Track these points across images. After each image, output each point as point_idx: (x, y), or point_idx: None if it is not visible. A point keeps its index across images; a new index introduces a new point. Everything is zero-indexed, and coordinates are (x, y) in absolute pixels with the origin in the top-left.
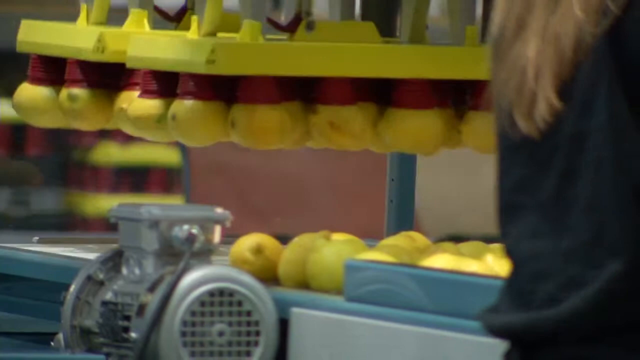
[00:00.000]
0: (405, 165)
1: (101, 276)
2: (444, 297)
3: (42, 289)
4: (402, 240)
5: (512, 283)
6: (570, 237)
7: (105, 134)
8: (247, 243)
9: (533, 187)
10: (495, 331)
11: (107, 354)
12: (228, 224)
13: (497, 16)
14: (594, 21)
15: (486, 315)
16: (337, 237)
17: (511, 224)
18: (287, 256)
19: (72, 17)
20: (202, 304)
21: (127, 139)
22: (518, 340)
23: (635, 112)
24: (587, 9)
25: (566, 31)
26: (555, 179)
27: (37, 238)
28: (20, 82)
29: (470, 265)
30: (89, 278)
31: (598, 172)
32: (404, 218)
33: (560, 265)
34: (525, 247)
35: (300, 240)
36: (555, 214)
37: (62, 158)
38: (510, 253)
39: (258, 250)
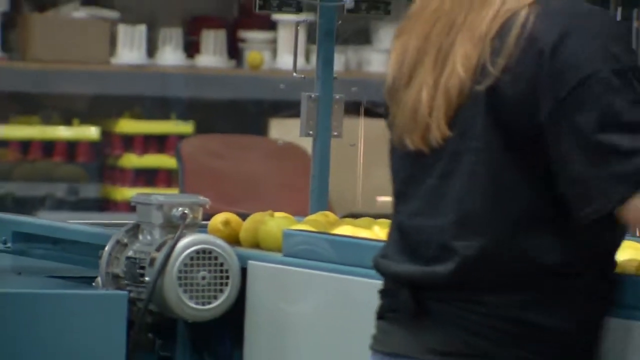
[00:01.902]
0: (323, 167)
1: (125, 240)
2: (346, 254)
3: (86, 249)
4: (319, 217)
5: (402, 244)
6: (443, 218)
7: (127, 148)
8: (219, 219)
9: (417, 183)
10: (391, 275)
11: (129, 292)
12: (207, 207)
13: (390, 71)
14: (473, 78)
15: (380, 261)
16: (278, 215)
17: (401, 206)
18: (245, 227)
19: None
20: (191, 258)
21: (143, 151)
22: (411, 284)
23: (509, 139)
24: (467, 69)
25: (453, 84)
26: (435, 179)
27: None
28: None
29: (363, 233)
30: (117, 242)
31: (471, 177)
32: (321, 203)
33: (439, 235)
34: (411, 222)
35: (254, 217)
36: (433, 202)
37: (100, 163)
38: (399, 225)
39: (226, 223)
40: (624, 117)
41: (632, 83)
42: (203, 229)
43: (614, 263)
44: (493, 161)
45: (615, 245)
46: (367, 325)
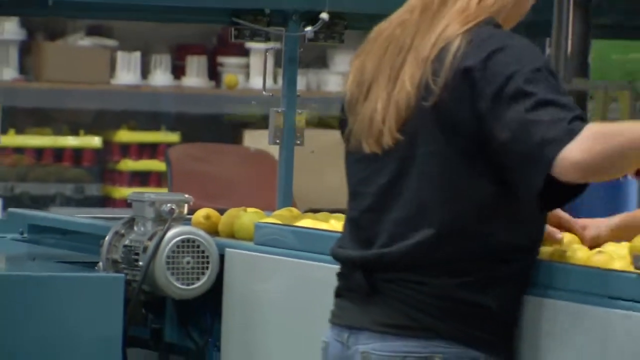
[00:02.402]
0: (288, 170)
1: (122, 231)
2: (307, 243)
3: (90, 239)
4: (285, 212)
5: (356, 235)
6: (397, 212)
7: (124, 154)
8: (201, 213)
9: (370, 183)
10: (347, 261)
11: (126, 274)
12: (191, 203)
13: (349, 87)
14: (418, 94)
15: (337, 251)
16: (250, 210)
17: (355, 203)
18: (223, 220)
19: None
20: (178, 246)
21: (137, 157)
22: (362, 267)
23: (454, 144)
24: (414, 86)
25: (402, 98)
26: (387, 179)
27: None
28: None
29: (322, 225)
30: (116, 232)
31: (422, 177)
32: (286, 200)
33: (390, 227)
34: (364, 216)
35: (230, 212)
36: (385, 198)
37: (101, 167)
38: (353, 219)
39: (207, 217)
40: (544, 100)
41: (547, 77)
42: (187, 221)
43: (539, 251)
44: (441, 163)
45: (541, 237)
46: (327, 303)
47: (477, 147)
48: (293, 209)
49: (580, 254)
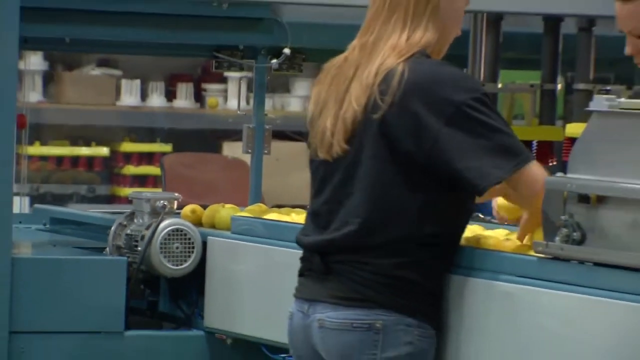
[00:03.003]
0: (257, 174)
1: (125, 223)
2: (274, 232)
3: (99, 229)
4: (255, 207)
5: (316, 224)
6: (347, 205)
7: (127, 161)
8: (188, 208)
9: (327, 182)
10: (308, 246)
11: (128, 257)
12: (180, 201)
13: (310, 108)
14: (365, 110)
15: (300, 238)
16: (228, 206)
17: (316, 199)
18: (206, 214)
19: None
20: (169, 234)
21: (138, 164)
22: (319, 251)
23: (394, 153)
24: (360, 105)
25: (348, 116)
26: (339, 180)
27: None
28: None
29: (285, 218)
30: (120, 224)
31: (365, 179)
32: (257, 198)
33: (340, 216)
34: (323, 209)
35: (212, 207)
36: (339, 195)
37: (109, 172)
38: (314, 212)
39: (193, 211)
40: (487, 125)
41: (486, 103)
42: (177, 215)
43: (460, 238)
44: (381, 167)
45: (463, 227)
46: (291, 280)
47: (412, 156)
48: (262, 205)
49: (491, 241)
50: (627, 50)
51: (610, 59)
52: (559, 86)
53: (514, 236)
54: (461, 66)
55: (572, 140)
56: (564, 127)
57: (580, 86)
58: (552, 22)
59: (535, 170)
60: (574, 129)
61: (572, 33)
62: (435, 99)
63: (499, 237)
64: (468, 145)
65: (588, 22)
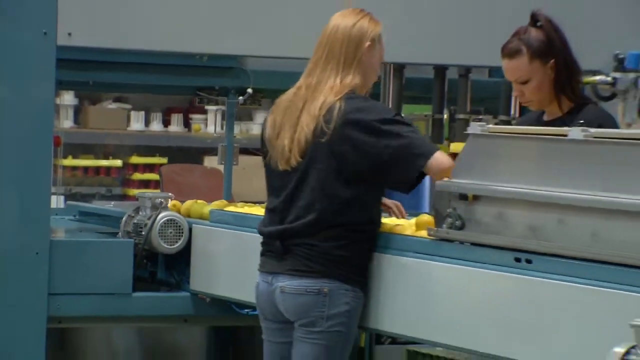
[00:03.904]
0: (228, 179)
1: (133, 214)
2: (241, 221)
3: (115, 219)
4: (219, 202)
5: (274, 217)
6: (299, 203)
7: (135, 170)
8: (170, 203)
9: (284, 186)
10: (268, 233)
11: (134, 240)
12: (172, 198)
13: (267, 131)
14: (314, 134)
15: (261, 228)
16: (199, 202)
17: (274, 198)
18: (191, 209)
19: None
20: (164, 223)
21: (143, 172)
22: (278, 237)
23: (337, 164)
24: (310, 130)
25: (302, 137)
26: (294, 184)
27: (112, 203)
28: None
29: (249, 211)
30: (129, 215)
31: (314, 183)
32: (228, 196)
33: (296, 210)
34: (280, 206)
35: (195, 202)
36: (292, 195)
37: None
38: (274, 208)
39: (174, 205)
40: (413, 132)
41: (403, 122)
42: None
43: (379, 226)
44: (324, 176)
45: (380, 218)
46: (254, 257)
47: (346, 166)
48: (232, 202)
49: (399, 228)
50: (514, 94)
51: (482, 96)
52: (445, 116)
53: (403, 222)
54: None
55: (455, 154)
56: (449, 145)
57: (461, 116)
58: (440, 70)
59: (440, 157)
60: (456, 147)
61: (454, 78)
62: (364, 123)
63: (405, 225)
64: (393, 149)
65: (465, 70)
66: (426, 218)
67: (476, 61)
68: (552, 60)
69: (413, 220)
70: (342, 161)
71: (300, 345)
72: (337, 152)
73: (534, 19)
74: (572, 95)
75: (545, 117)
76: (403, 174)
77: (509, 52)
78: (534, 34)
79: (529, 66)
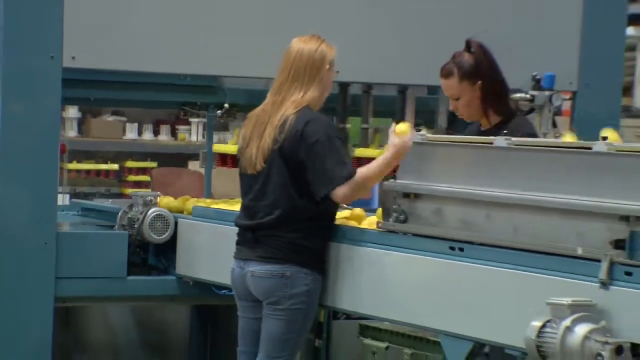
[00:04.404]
0: (209, 180)
1: (127, 210)
2: (219, 215)
3: (112, 214)
4: (210, 201)
5: (247, 213)
6: (265, 202)
7: (130, 173)
8: (165, 201)
9: (252, 187)
10: (242, 226)
11: (129, 232)
12: (160, 196)
13: (240, 142)
14: (273, 143)
15: (237, 221)
16: (179, 199)
17: (246, 197)
18: (177, 205)
19: None
20: (154, 217)
21: (137, 174)
22: (250, 230)
23: (288, 169)
24: (271, 140)
25: (265, 146)
26: (260, 185)
27: (110, 200)
28: None
29: (231, 207)
30: (124, 211)
31: (275, 184)
32: (208, 194)
33: (263, 208)
34: (251, 204)
35: (181, 199)
36: (259, 195)
37: (119, 179)
38: (246, 205)
39: (169, 202)
40: (335, 156)
41: (339, 142)
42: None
43: (334, 219)
44: (284, 178)
45: (335, 210)
46: (230, 245)
47: (299, 169)
48: (187, 196)
49: (353, 221)
50: (450, 107)
51: (382, 111)
52: (348, 125)
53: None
54: (330, 116)
55: (360, 158)
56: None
57: (364, 126)
58: (343, 86)
59: (339, 191)
60: (360, 152)
61: (358, 93)
62: (306, 135)
63: (357, 219)
64: (315, 170)
65: (367, 87)
66: (358, 211)
67: (377, 78)
68: (480, 82)
69: (358, 210)
70: (291, 165)
71: (268, 321)
72: (286, 158)
73: (468, 45)
74: (499, 111)
75: (482, 128)
76: (316, 190)
77: (443, 73)
78: (466, 58)
79: (459, 85)
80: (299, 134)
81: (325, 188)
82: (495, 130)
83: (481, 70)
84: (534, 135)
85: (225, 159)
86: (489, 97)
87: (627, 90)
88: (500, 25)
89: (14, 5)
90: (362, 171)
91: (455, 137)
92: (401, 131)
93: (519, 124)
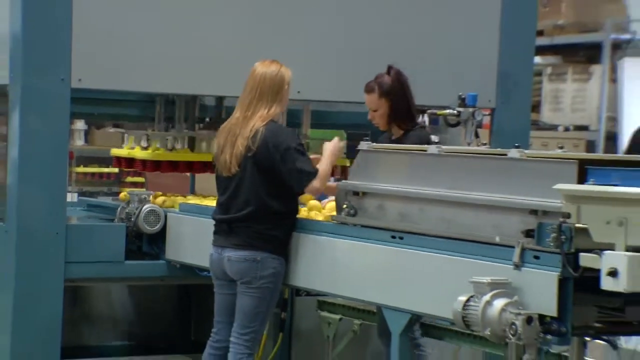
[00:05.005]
0: (192, 181)
1: (125, 206)
2: (200, 211)
3: (113, 210)
4: (195, 198)
5: (222, 208)
6: (239, 199)
7: (127, 175)
8: (157, 198)
9: (227, 187)
10: (218, 220)
11: (126, 224)
12: (152, 194)
13: (215, 148)
14: (246, 150)
15: (215, 215)
16: (166, 195)
17: (221, 196)
18: (166, 202)
19: None
20: (148, 212)
21: (134, 176)
22: (226, 222)
23: (260, 172)
24: (244, 148)
25: (237, 153)
26: (234, 185)
27: (111, 198)
28: None
29: (208, 203)
30: (122, 207)
31: (248, 184)
32: (193, 192)
33: (237, 204)
34: (226, 201)
35: (169, 197)
36: (233, 194)
37: (118, 181)
38: (222, 203)
39: (158, 199)
40: (303, 159)
41: (303, 147)
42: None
43: (297, 212)
44: (256, 180)
45: (297, 206)
46: (209, 235)
47: (269, 173)
48: (161, 192)
49: (312, 214)
50: (369, 117)
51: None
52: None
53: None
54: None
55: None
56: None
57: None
58: (305, 103)
59: (310, 187)
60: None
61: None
62: (277, 144)
63: (316, 208)
64: (288, 170)
65: (307, 103)
66: (313, 202)
67: (349, 98)
68: (393, 101)
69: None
70: (263, 169)
71: (241, 297)
72: (259, 163)
73: (389, 70)
74: (404, 124)
75: (393, 137)
76: (295, 187)
77: (367, 89)
78: (386, 79)
79: (378, 101)
80: (271, 144)
81: (302, 184)
82: (402, 139)
83: (395, 91)
84: (429, 143)
85: (206, 165)
86: (397, 113)
87: (536, 107)
88: (434, 54)
89: (32, 37)
90: (321, 168)
91: (395, 145)
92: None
93: (419, 135)
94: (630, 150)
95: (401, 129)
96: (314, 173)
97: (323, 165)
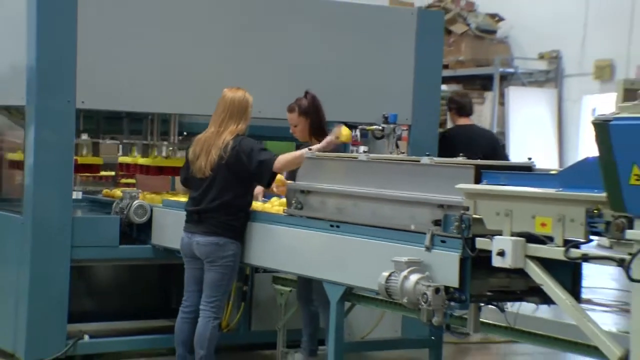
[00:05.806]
0: (172, 182)
1: (119, 202)
2: (178, 205)
3: (108, 205)
4: (175, 195)
5: (194, 202)
6: (210, 196)
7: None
8: (155, 197)
9: (200, 185)
10: (190, 211)
11: (120, 216)
12: (142, 192)
13: (190, 155)
14: (219, 158)
15: (187, 207)
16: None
17: (194, 192)
18: (155, 198)
19: None
20: (137, 207)
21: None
22: (197, 213)
23: (232, 174)
24: (217, 156)
25: (211, 160)
26: (207, 185)
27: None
28: None
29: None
30: (117, 202)
31: (219, 184)
32: (173, 189)
33: (207, 199)
34: (199, 197)
35: (158, 195)
36: (205, 191)
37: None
38: (194, 198)
39: (147, 197)
40: (263, 151)
41: (263, 148)
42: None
43: (251, 206)
44: (226, 181)
45: (251, 202)
46: (182, 223)
47: (238, 174)
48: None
49: (267, 207)
50: (290, 131)
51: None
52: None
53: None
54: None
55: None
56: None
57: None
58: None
59: (276, 162)
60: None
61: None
62: (243, 150)
63: (271, 206)
64: (257, 165)
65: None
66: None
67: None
68: (309, 118)
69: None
70: (233, 172)
71: (208, 273)
72: (230, 167)
73: (306, 94)
74: (318, 139)
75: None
76: (263, 173)
77: (289, 109)
78: (304, 101)
79: (298, 119)
80: (239, 151)
81: (268, 167)
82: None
83: (310, 112)
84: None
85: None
86: (313, 129)
87: (442, 124)
88: (365, 83)
89: (44, 67)
90: (290, 153)
91: (334, 154)
92: (347, 133)
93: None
94: (440, 150)
95: (318, 141)
96: (271, 160)
97: (315, 148)
